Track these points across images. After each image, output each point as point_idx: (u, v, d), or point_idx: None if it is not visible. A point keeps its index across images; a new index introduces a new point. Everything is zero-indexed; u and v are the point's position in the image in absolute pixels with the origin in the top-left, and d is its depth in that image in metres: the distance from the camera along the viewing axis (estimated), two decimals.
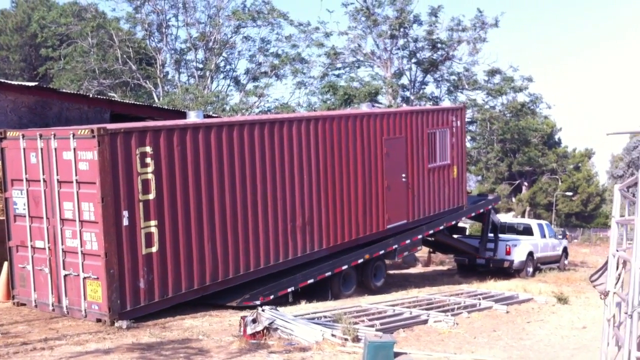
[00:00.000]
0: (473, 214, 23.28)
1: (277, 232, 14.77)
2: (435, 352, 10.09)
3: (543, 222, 28.60)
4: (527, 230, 25.77)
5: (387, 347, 8.45)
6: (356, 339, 10.18)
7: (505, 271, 23.51)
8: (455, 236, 23.72)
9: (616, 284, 8.16)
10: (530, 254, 24.24)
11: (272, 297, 14.29)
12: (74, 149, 11.70)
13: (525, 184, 61.52)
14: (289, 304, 14.31)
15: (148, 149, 12.12)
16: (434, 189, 20.04)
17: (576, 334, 12.29)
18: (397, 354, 8.60)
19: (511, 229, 26.04)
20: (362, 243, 17.35)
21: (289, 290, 14.90)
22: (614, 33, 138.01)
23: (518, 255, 23.76)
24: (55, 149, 11.99)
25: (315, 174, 15.80)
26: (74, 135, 11.70)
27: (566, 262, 27.77)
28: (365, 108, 19.54)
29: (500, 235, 24.34)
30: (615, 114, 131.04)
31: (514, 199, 59.45)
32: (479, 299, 15.20)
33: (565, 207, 60.18)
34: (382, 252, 17.80)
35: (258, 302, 13.44)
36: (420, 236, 19.43)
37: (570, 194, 58.13)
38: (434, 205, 20.03)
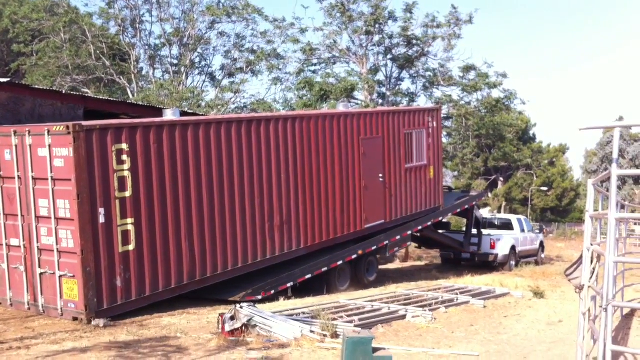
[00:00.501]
0: (459, 210, 23.83)
1: (255, 231, 14.77)
2: (413, 347, 10.14)
3: (522, 217, 29.62)
4: (507, 225, 26.77)
5: (365, 343, 8.47)
6: (335, 335, 10.19)
7: (490, 265, 24.41)
8: (440, 231, 24.16)
9: (591, 277, 8.25)
10: (513, 247, 25.29)
11: (272, 292, 14.94)
12: (49, 145, 11.62)
13: (501, 179, 61.97)
14: (288, 298, 14.82)
15: (124, 146, 12.04)
16: (411, 189, 20.22)
17: (553, 328, 12.41)
18: (375, 350, 8.62)
19: (491, 224, 26.84)
20: (340, 242, 17.48)
21: (289, 285, 15.46)
22: (587, 29, 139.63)
23: (502, 249, 24.74)
24: (30, 146, 11.88)
25: (292, 173, 15.83)
26: (49, 131, 11.61)
27: (543, 256, 28.66)
28: (341, 107, 19.61)
29: (482, 230, 25.09)
30: (589, 109, 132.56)
31: (490, 194, 59.84)
32: (457, 294, 15.31)
33: (541, 202, 60.74)
34: (374, 247, 18.58)
35: (260, 297, 14.27)
36: (409, 232, 20.26)
37: (545, 189, 58.68)
38: (411, 205, 20.23)
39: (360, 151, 17.94)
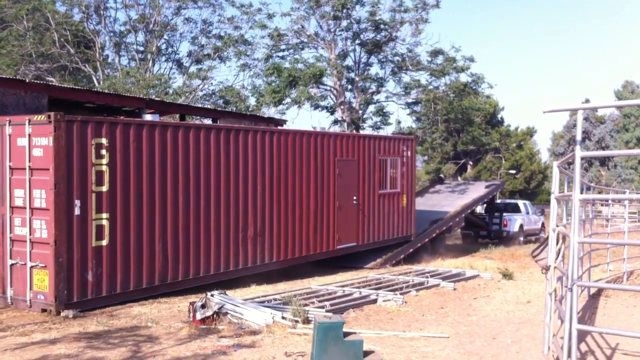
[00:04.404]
0: (490, 196, 30.30)
1: (229, 240, 14.79)
2: (384, 331, 10.22)
3: (527, 201, 36.00)
4: (516, 208, 32.83)
5: (336, 328, 8.50)
6: (306, 321, 10.24)
7: (504, 239, 30.53)
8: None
9: (557, 258, 8.38)
10: (521, 226, 31.70)
11: (393, 262, 20.34)
12: (29, 135, 11.58)
13: (470, 163, 62.35)
14: (400, 264, 19.60)
15: (104, 141, 12.04)
16: (384, 215, 20.58)
17: (521, 309, 12.59)
18: (346, 334, 8.66)
19: (502, 207, 32.09)
20: (312, 260, 17.72)
21: (402, 256, 21.00)
22: (553, 11, 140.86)
23: (513, 227, 31.26)
24: (10, 136, 11.84)
25: (268, 186, 15.90)
26: (29, 121, 11.59)
27: (543, 234, 32.95)
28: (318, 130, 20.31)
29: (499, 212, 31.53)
30: (557, 92, 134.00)
31: (459, 179, 60.30)
32: (427, 277, 15.47)
33: (509, 185, 61.24)
34: (444, 228, 24.72)
35: (387, 266, 19.58)
36: (463, 215, 26.58)
37: (513, 172, 59.23)
38: (383, 231, 20.55)
39: (335, 172, 18.13)
